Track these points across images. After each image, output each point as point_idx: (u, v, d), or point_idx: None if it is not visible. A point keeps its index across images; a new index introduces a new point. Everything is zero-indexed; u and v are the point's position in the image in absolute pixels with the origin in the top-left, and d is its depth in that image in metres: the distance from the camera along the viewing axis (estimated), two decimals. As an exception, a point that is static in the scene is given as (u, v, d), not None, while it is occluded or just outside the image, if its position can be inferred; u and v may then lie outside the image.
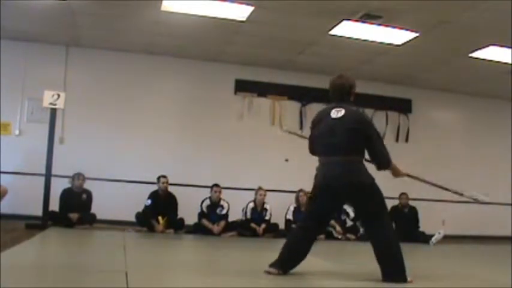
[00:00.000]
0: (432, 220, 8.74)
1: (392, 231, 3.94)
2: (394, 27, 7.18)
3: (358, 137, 3.87)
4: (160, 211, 7.65)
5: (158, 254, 5.48)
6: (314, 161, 4.16)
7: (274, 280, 3.78)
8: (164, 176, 7.91)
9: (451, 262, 6.21)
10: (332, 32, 7.46)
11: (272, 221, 8.11)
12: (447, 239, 8.33)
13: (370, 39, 7.62)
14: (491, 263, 6.12)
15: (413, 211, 8.80)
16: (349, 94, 3.99)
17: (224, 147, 9.21)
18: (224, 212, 7.95)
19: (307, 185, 4.48)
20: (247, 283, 3.61)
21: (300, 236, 3.96)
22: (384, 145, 4.04)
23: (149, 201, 7.74)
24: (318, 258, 4.09)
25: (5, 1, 6.81)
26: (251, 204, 8.10)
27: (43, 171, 7.10)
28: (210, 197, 8.00)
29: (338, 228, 8.26)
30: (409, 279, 3.73)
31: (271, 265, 3.85)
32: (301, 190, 8.01)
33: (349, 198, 4.15)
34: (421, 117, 10.28)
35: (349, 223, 8.48)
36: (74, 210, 7.42)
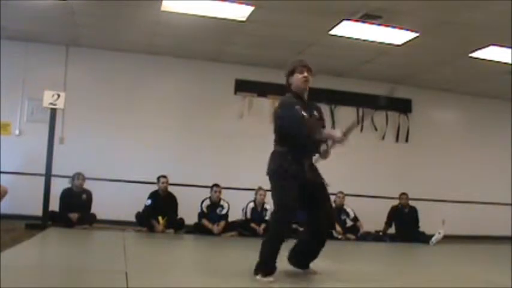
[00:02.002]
0: (432, 220, 8.72)
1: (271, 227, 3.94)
2: (394, 27, 7.18)
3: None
4: (160, 211, 7.65)
5: (158, 254, 5.49)
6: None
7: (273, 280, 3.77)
8: (164, 176, 7.92)
9: (451, 262, 6.21)
10: (332, 32, 7.46)
11: (272, 221, 8.10)
12: (447, 239, 8.33)
13: (370, 39, 7.62)
14: (491, 263, 6.12)
15: (413, 211, 8.80)
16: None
17: (224, 147, 9.21)
18: (224, 212, 7.96)
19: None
20: (247, 283, 3.61)
21: None
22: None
23: (149, 201, 7.75)
24: (318, 259, 4.08)
25: (5, 1, 6.81)
26: (251, 204, 8.10)
27: (43, 171, 7.10)
28: (210, 197, 8.01)
29: (338, 228, 8.26)
30: (258, 277, 3.64)
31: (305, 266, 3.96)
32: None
33: None
34: (421, 117, 10.27)
35: (349, 223, 8.49)
36: (74, 210, 7.41)
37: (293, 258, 4.02)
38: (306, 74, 3.88)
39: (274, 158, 3.89)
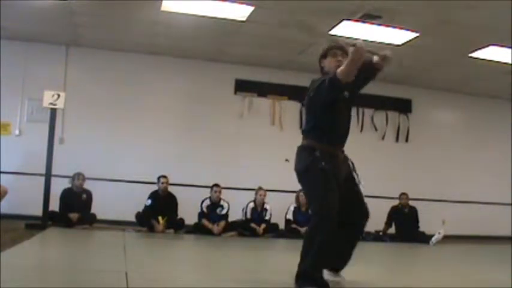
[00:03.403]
0: (432, 220, 8.73)
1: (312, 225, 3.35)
2: (394, 27, 7.18)
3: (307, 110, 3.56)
4: (160, 211, 7.65)
5: (158, 254, 5.49)
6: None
7: (273, 280, 3.77)
8: (164, 176, 7.92)
9: (451, 262, 6.21)
10: (332, 32, 7.46)
11: (272, 221, 8.10)
12: (447, 239, 8.33)
13: (370, 39, 7.62)
14: (491, 263, 6.12)
15: (413, 211, 8.81)
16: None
17: (224, 147, 9.21)
18: (224, 212, 7.96)
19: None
20: (247, 283, 3.61)
21: None
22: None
23: (149, 201, 7.76)
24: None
25: (5, 1, 6.81)
26: (251, 204, 8.10)
27: (43, 171, 7.10)
28: (210, 197, 8.01)
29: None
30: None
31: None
32: (301, 190, 7.99)
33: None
34: (421, 117, 10.28)
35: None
36: (74, 210, 7.42)
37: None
38: (339, 58, 3.42)
39: (304, 153, 3.43)
